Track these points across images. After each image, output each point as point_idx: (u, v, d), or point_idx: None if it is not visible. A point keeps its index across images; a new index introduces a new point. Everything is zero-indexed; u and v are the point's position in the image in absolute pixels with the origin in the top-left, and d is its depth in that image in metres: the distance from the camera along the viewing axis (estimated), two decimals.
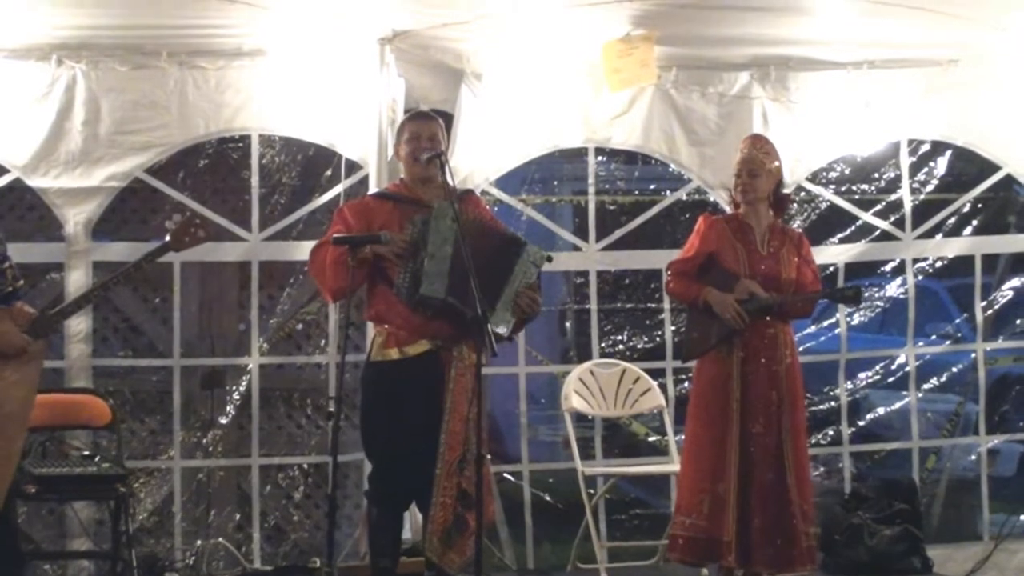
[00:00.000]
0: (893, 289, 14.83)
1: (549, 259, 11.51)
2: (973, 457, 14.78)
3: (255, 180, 13.49)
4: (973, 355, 14.74)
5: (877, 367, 14.98)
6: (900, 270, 14.68)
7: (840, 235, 14.38)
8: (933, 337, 15.13)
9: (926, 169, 14.67)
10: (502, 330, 10.94)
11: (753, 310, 11.83)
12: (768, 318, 11.98)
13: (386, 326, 11.14)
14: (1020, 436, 15.57)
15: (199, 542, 13.60)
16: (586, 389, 13.92)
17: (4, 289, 11.04)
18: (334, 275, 11.02)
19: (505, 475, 13.82)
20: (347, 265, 10.81)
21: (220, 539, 13.66)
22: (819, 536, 12.49)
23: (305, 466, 13.96)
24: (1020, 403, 15.39)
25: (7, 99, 12.70)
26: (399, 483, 11.28)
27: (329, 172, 13.70)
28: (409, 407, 11.02)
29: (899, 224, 14.45)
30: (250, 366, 13.75)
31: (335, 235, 11.04)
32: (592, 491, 13.53)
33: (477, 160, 13.24)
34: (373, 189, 12.47)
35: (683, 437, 12.59)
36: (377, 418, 11.27)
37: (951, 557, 13.83)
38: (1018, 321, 14.76)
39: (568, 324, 14.53)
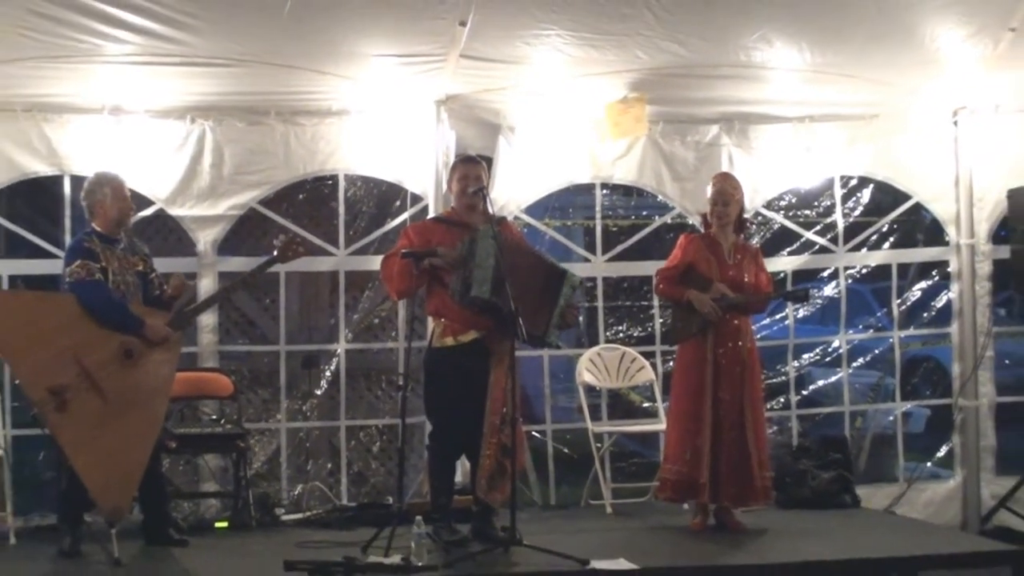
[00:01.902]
0: (829, 290, 14.84)
1: (582, 283, 12.09)
2: (891, 418, 14.76)
3: (341, 209, 13.54)
4: (891, 340, 14.73)
5: (817, 350, 15.00)
6: (834, 276, 14.69)
7: (788, 249, 14.39)
8: (860, 327, 15.11)
9: (854, 198, 14.65)
10: (552, 341, 11.56)
11: (724, 307, 11.93)
12: (733, 315, 12.07)
13: (442, 320, 11.34)
14: (926, 402, 15.54)
15: (300, 485, 13.67)
16: (594, 367, 13.99)
17: (152, 293, 11.21)
18: (400, 280, 11.24)
19: (533, 433, 13.82)
20: (411, 273, 11.06)
21: (316, 482, 13.71)
22: (773, 479, 12.52)
23: (380, 426, 14.06)
24: (926, 377, 15.34)
25: (153, 148, 12.79)
26: (453, 439, 11.48)
27: (398, 203, 13.79)
28: (461, 382, 11.21)
29: (833, 241, 14.45)
30: (338, 351, 13.79)
31: (403, 250, 11.19)
32: (599, 445, 13.61)
33: (511, 193, 13.28)
34: (431, 215, 12.49)
35: (669, 403, 12.63)
36: (437, 390, 11.49)
37: (874, 495, 13.84)
38: (924, 315, 14.74)
39: (581, 318, 14.51)
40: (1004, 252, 13.81)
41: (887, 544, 12.01)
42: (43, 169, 12.80)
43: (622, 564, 10.77)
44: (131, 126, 12.77)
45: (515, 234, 11.88)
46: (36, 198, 13.22)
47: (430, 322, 11.69)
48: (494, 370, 11.21)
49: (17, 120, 12.60)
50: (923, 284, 14.90)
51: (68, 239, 12.50)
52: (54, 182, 12.96)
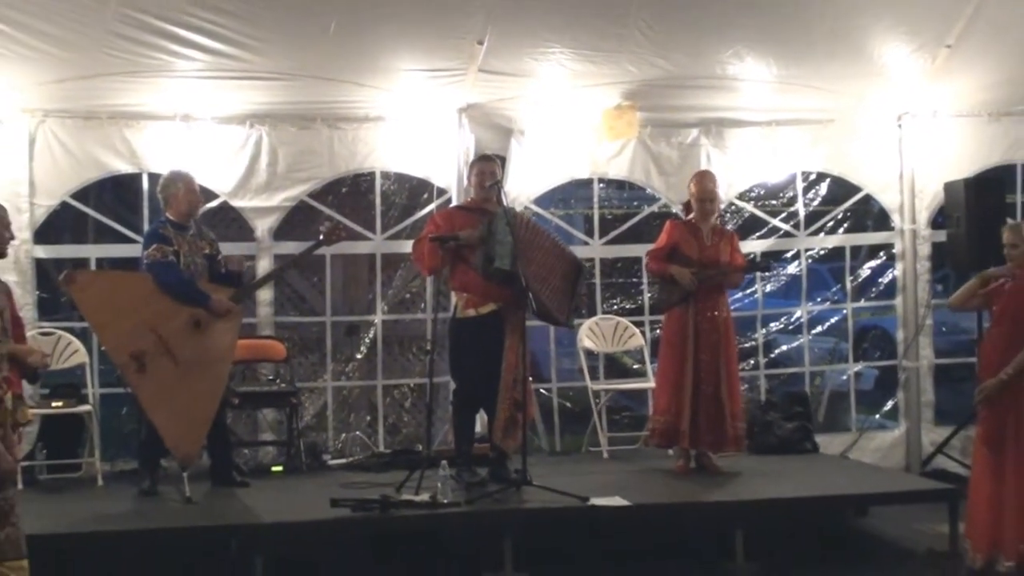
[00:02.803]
0: (792, 269, 14.83)
1: (592, 273, 12.38)
2: (844, 377, 14.71)
3: (378, 200, 13.53)
4: (844, 312, 14.72)
5: (782, 319, 14.99)
6: (796, 257, 14.66)
7: (757, 234, 14.37)
8: (818, 300, 15.05)
9: (813, 191, 14.61)
10: (572, 325, 12.26)
11: (700, 278, 11.93)
12: (711, 289, 12.10)
13: (465, 294, 11.35)
14: (875, 363, 15.53)
15: (343, 435, 13.66)
16: (593, 334, 13.96)
17: (218, 271, 11.19)
18: (430, 260, 11.22)
19: (541, 390, 13.79)
20: (438, 253, 11.08)
21: (357, 432, 13.70)
22: (745, 429, 12.51)
23: (411, 385, 14.04)
24: (874, 342, 15.32)
25: (217, 150, 12.79)
26: (473, 396, 11.47)
27: (425, 195, 13.76)
28: (481, 348, 11.23)
29: (796, 227, 14.41)
30: (376, 321, 13.79)
31: (430, 234, 11.22)
32: (597, 400, 13.58)
33: (522, 186, 13.24)
34: (454, 204, 12.50)
35: (656, 365, 12.63)
36: (460, 355, 11.51)
37: (831, 442, 13.81)
38: (873, 289, 14.72)
39: (584, 295, 14.54)
40: (941, 236, 13.78)
41: (842, 484, 12.02)
42: (124, 168, 12.80)
43: (617, 501, 10.79)
44: (199, 131, 12.77)
45: (525, 219, 11.86)
46: (119, 192, 13.25)
47: (453, 296, 11.70)
48: (508, 337, 11.22)
49: (103, 126, 12.60)
50: (872, 263, 14.85)
51: (146, 227, 12.53)
52: (134, 179, 12.99)
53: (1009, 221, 10.73)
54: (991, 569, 9.98)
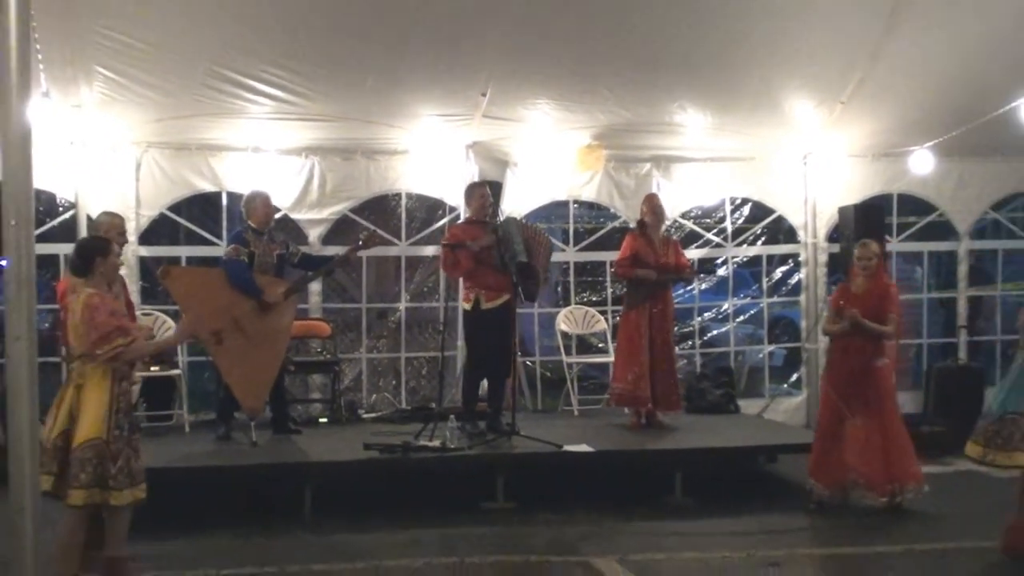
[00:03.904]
0: (722, 272, 14.82)
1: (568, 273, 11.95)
2: (760, 355, 14.70)
3: (403, 215, 13.53)
4: (761, 305, 14.72)
5: (713, 311, 14.96)
6: (725, 263, 14.66)
7: (695, 244, 14.33)
8: (741, 296, 15.06)
9: (738, 212, 14.64)
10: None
11: (659, 277, 11.96)
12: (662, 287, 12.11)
13: (483, 290, 11.29)
14: (784, 345, 15.53)
15: (374, 395, 13.68)
16: (567, 320, 13.97)
17: (291, 262, 11.21)
18: (465, 264, 11.26)
19: (527, 362, 13.81)
20: (456, 258, 11.22)
21: (385, 393, 13.70)
22: (683, 394, 12.52)
23: (427, 357, 13.95)
24: (783, 329, 15.33)
25: (280, 174, 12.81)
26: (482, 368, 11.43)
27: (440, 211, 13.73)
28: (495, 330, 11.20)
29: (724, 239, 14.40)
30: (401, 308, 13.80)
31: (449, 243, 11.30)
32: (570, 370, 13.58)
33: (514, 206, 13.19)
34: (462, 219, 12.46)
35: (616, 344, 12.58)
36: (478, 336, 11.48)
37: (749, 405, 13.80)
38: (783, 288, 14.72)
39: (559, 289, 14.51)
40: (835, 248, 13.79)
41: (757, 437, 12.02)
42: (208, 187, 12.85)
43: (584, 448, 10.79)
44: (266, 159, 12.78)
45: (527, 224, 12.03)
46: (204, 206, 13.23)
47: (462, 290, 11.70)
48: (513, 323, 11.25)
49: (192, 155, 12.65)
50: (782, 268, 14.85)
51: (224, 234, 12.72)
52: (215, 196, 13.03)
53: (863, 240, 10.83)
54: (845, 502, 10.11)
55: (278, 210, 12.23)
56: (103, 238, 8.17)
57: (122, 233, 9.37)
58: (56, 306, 10.25)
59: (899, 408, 10.65)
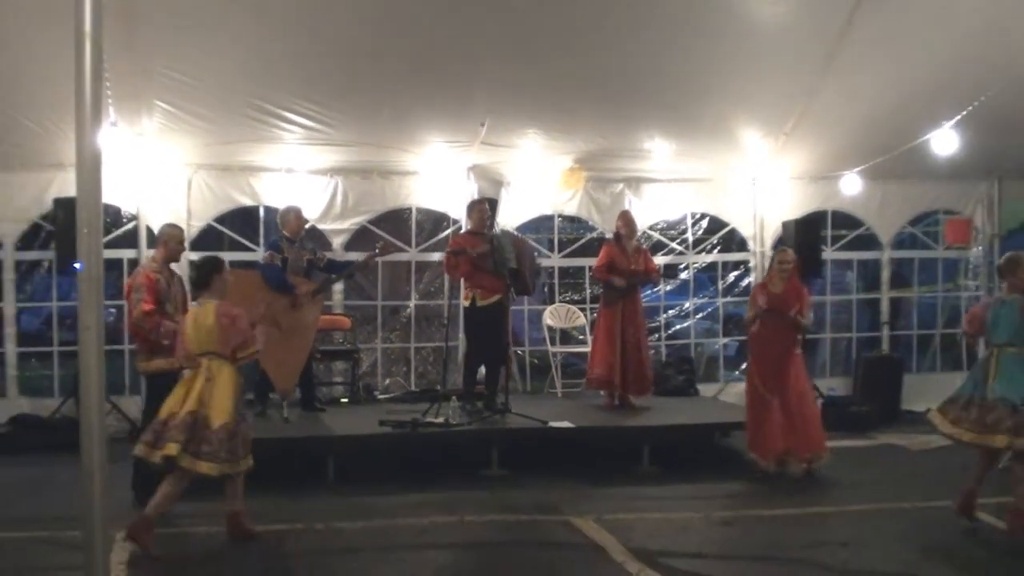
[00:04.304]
0: (684, 276, 14.81)
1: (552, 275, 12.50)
2: (716, 347, 14.76)
3: (413, 226, 13.49)
4: (717, 304, 14.74)
5: (676, 308, 14.92)
6: (686, 268, 14.67)
7: (661, 252, 14.29)
8: (701, 296, 15.03)
9: (698, 225, 14.59)
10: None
11: (631, 282, 12.01)
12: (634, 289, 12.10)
13: (480, 290, 11.35)
14: (736, 338, 15.39)
15: (388, 379, 13.69)
16: (552, 315, 14.00)
17: (319, 266, 11.25)
18: (463, 268, 11.32)
19: (518, 351, 13.80)
20: (456, 263, 11.24)
21: (397, 378, 13.73)
22: (652, 379, 12.53)
23: (433, 347, 13.94)
24: (736, 324, 15.12)
25: (309, 191, 12.78)
26: (479, 356, 11.49)
27: (445, 223, 13.72)
28: (490, 325, 11.28)
29: (686, 248, 14.43)
30: (411, 304, 13.79)
31: (451, 251, 11.27)
32: (554, 358, 13.62)
33: (508, 219, 13.19)
34: (464, 230, 12.45)
35: (593, 336, 12.58)
36: (475, 329, 11.58)
37: (707, 389, 13.83)
38: (735, 290, 14.69)
39: (545, 289, 14.51)
40: None
41: (714, 415, 12.08)
42: (248, 202, 12.85)
43: (566, 424, 10.83)
44: (297, 178, 12.77)
45: (516, 236, 12.10)
46: (245, 218, 13.21)
47: (463, 290, 11.71)
48: (505, 318, 11.32)
49: (234, 175, 12.65)
50: (735, 273, 14.84)
51: (262, 241, 12.71)
52: (254, 210, 12.99)
53: (781, 248, 11.30)
54: (783, 471, 10.19)
55: (307, 221, 12.23)
56: (218, 258, 8.67)
57: (180, 242, 9.40)
58: (121, 302, 10.36)
59: (811, 389, 10.84)
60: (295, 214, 11.47)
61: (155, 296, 8.86)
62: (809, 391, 10.71)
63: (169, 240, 9.20)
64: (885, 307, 15.05)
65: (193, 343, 8.04)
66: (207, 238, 12.84)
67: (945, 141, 11.71)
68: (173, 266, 9.44)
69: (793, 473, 10.36)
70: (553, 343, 14.00)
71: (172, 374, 8.48)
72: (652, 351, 13.86)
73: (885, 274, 15.00)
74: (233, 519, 8.21)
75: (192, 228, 12.48)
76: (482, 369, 11.72)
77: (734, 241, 14.72)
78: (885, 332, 14.98)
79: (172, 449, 7.63)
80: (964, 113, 11.35)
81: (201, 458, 7.73)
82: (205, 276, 8.24)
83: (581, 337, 14.44)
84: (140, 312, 8.78)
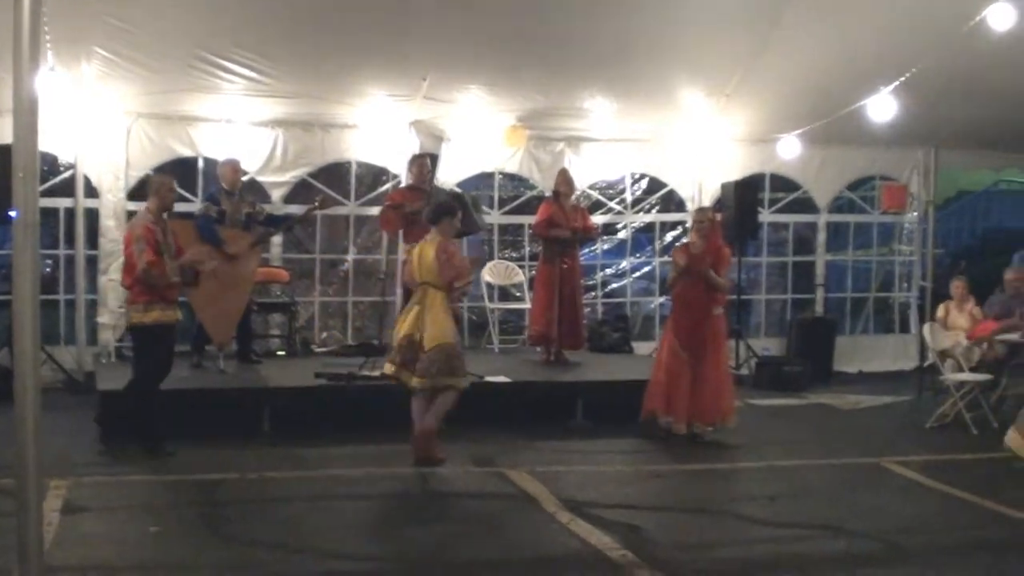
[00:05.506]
0: (622, 235, 14.92)
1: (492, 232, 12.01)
2: (652, 305, 14.91)
3: (353, 180, 13.56)
4: (653, 264, 14.88)
5: (613, 267, 15.07)
6: (624, 228, 14.80)
7: (599, 212, 14.43)
8: (637, 255, 15.15)
9: (636, 185, 14.72)
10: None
11: (570, 237, 12.10)
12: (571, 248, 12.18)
13: (415, 243, 11.20)
14: (670, 297, 15.59)
15: (325, 332, 13.72)
16: (491, 272, 14.08)
17: (258, 219, 11.23)
18: (388, 222, 11.48)
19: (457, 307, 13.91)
20: (394, 218, 11.32)
21: (334, 331, 13.76)
22: (586, 336, 12.68)
23: (370, 301, 13.98)
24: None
25: (249, 143, 12.74)
26: None
27: (384, 178, 13.75)
28: None
29: (624, 208, 14.58)
30: (349, 258, 13.95)
31: (389, 204, 11.39)
32: (492, 314, 13.73)
33: (448, 175, 13.15)
34: (402, 185, 12.46)
35: (532, 293, 12.70)
36: (406, 285, 11.47)
37: (642, 347, 13.99)
38: (671, 250, 14.80)
39: (485, 247, 14.57)
40: (717, 217, 13.73)
41: (647, 372, 11.94)
42: (187, 152, 12.77)
43: (502, 378, 10.94)
44: (237, 130, 12.72)
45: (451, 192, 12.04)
46: (183, 169, 13.12)
47: (400, 245, 11.77)
48: None
49: (174, 124, 12.57)
50: (673, 233, 14.92)
51: (199, 192, 12.67)
52: (193, 160, 12.90)
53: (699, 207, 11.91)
54: (691, 433, 10.28)
55: (246, 174, 12.19)
56: (452, 204, 9.61)
57: (172, 190, 9.48)
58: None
59: (727, 351, 10.95)
60: (232, 166, 11.45)
61: (155, 248, 8.99)
62: (725, 355, 10.72)
63: (160, 189, 9.31)
64: (820, 270, 15.29)
65: (416, 272, 9.13)
66: (145, 187, 12.76)
67: (882, 107, 11.89)
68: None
69: (700, 436, 10.31)
70: (491, 299, 14.11)
71: (168, 325, 9.09)
72: (588, 309, 13.99)
73: (821, 237, 15.25)
74: (425, 437, 8.89)
75: (131, 178, 12.43)
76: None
77: (673, 202, 14.85)
78: (819, 295, 15.23)
79: (389, 368, 9.03)
80: (901, 80, 11.52)
81: (415, 374, 8.86)
82: (437, 216, 9.22)
83: (519, 294, 14.54)
84: (145, 263, 8.90)
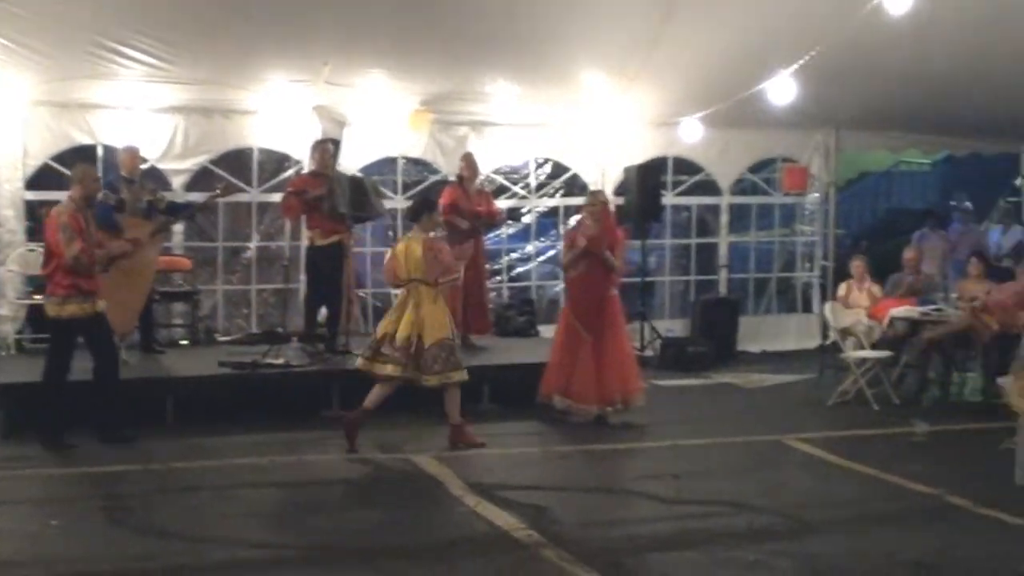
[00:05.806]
0: (527, 220, 14.92)
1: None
2: (557, 289, 14.82)
3: (255, 166, 13.40)
4: (559, 247, 14.80)
5: (519, 252, 15.11)
6: (529, 212, 14.83)
7: (504, 196, 14.42)
8: (542, 240, 15.18)
9: (540, 169, 14.73)
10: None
11: (474, 224, 12.16)
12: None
13: (317, 230, 11.48)
14: None
15: (228, 321, 13.64)
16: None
17: (159, 207, 11.13)
18: (289, 208, 11.43)
19: (361, 293, 13.77)
20: (295, 203, 11.27)
21: (238, 320, 13.73)
22: (492, 320, 12.75)
23: (274, 288, 13.80)
24: None
25: (149, 130, 12.58)
26: (318, 297, 11.78)
27: (287, 163, 13.65)
28: (328, 266, 11.40)
29: (529, 192, 14.62)
30: (252, 245, 13.76)
31: (291, 191, 11.30)
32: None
33: (350, 161, 13.05)
34: (305, 171, 12.40)
35: None
36: (312, 270, 11.74)
37: (547, 330, 13.74)
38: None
39: (390, 232, 14.52)
40: (620, 201, 13.97)
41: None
42: (86, 140, 12.55)
43: None
44: (137, 117, 12.54)
45: (353, 178, 12.02)
46: (82, 156, 12.89)
47: (304, 231, 11.72)
48: (345, 259, 11.37)
49: (72, 112, 12.36)
50: (577, 217, 14.80)
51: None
52: (92, 148, 12.63)
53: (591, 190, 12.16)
54: (598, 414, 10.38)
55: (145, 161, 12.06)
56: (432, 199, 10.43)
57: (96, 179, 9.72)
58: None
59: (627, 331, 11.03)
60: (131, 154, 11.38)
61: (81, 236, 9.04)
62: (625, 332, 10.84)
63: (84, 178, 9.38)
64: (723, 251, 15.48)
65: (402, 269, 9.30)
66: (45, 177, 12.56)
67: (782, 90, 12.02)
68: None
69: (606, 417, 10.42)
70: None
71: (83, 320, 9.13)
72: (494, 293, 14.04)
73: (724, 219, 15.43)
74: (457, 431, 9.35)
75: (28, 167, 12.23)
76: (324, 311, 11.76)
77: (576, 186, 14.88)
78: (723, 275, 15.41)
79: (394, 371, 9.08)
80: (800, 63, 11.65)
81: (422, 371, 9.07)
82: (417, 212, 9.53)
83: None
84: (77, 250, 8.95)
